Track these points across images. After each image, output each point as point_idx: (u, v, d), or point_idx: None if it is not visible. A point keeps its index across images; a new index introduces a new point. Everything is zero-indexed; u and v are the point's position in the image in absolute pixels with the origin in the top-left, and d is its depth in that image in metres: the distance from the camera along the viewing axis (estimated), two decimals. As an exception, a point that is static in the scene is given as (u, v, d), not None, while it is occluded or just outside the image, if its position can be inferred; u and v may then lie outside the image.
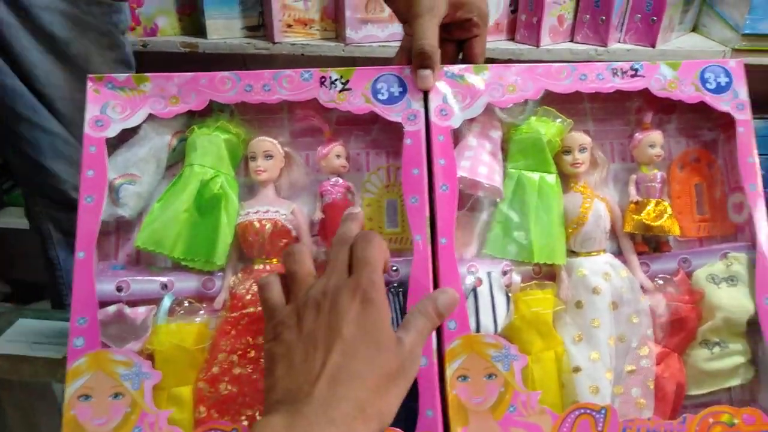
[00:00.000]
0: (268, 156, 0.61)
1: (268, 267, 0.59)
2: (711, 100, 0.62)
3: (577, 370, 0.58)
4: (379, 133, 0.65)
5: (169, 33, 1.20)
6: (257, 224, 0.59)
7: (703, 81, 0.62)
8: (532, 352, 0.58)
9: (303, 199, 0.64)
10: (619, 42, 1.15)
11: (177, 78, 0.60)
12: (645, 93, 0.63)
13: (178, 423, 0.53)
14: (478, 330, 0.57)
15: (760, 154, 1.16)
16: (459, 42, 0.66)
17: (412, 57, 0.59)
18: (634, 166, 0.65)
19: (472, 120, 0.62)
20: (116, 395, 0.53)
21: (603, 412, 0.56)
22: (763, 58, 1.06)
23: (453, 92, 0.61)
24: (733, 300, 0.59)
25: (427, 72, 0.59)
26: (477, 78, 0.61)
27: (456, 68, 0.61)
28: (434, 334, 0.55)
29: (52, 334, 0.80)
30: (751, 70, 1.12)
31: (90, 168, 0.57)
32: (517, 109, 0.63)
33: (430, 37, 0.58)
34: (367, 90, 0.60)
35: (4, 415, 0.78)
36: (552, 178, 0.62)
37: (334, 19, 1.19)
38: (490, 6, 0.99)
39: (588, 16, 1.15)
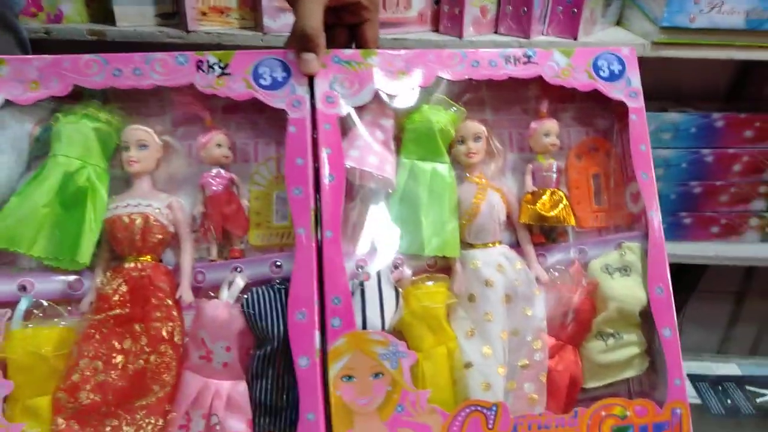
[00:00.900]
0: (143, 146, 0.57)
1: (140, 264, 0.54)
2: (604, 87, 0.61)
3: (468, 365, 0.56)
4: (267, 122, 0.61)
5: (75, 20, 1.12)
6: (126, 219, 0.54)
7: (596, 69, 0.61)
8: (423, 348, 0.56)
9: (186, 191, 0.59)
10: (542, 34, 1.14)
11: (37, 61, 0.55)
12: (542, 81, 0.61)
13: (32, 437, 0.49)
14: (364, 327, 0.54)
15: (679, 147, 1.19)
16: (351, 27, 0.63)
17: (296, 40, 0.56)
18: (532, 156, 0.64)
19: (363, 108, 0.59)
20: (-41, 409, 0.48)
21: (494, 409, 0.54)
22: (680, 51, 1.07)
23: (340, 78, 0.58)
24: (625, 290, 0.58)
25: (311, 56, 0.56)
26: (365, 63, 0.58)
27: (343, 53, 0.58)
28: (317, 332, 0.52)
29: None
30: (669, 63, 1.14)
31: (-65, 159, 0.52)
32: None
33: (312, 19, 0.55)
34: (248, 75, 0.57)
35: None
36: (444, 168, 0.59)
37: (251, 7, 1.13)
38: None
39: (510, 7, 1.14)
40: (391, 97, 0.59)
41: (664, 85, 1.23)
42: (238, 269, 0.56)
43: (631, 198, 0.63)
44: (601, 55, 0.62)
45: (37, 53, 0.56)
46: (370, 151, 0.58)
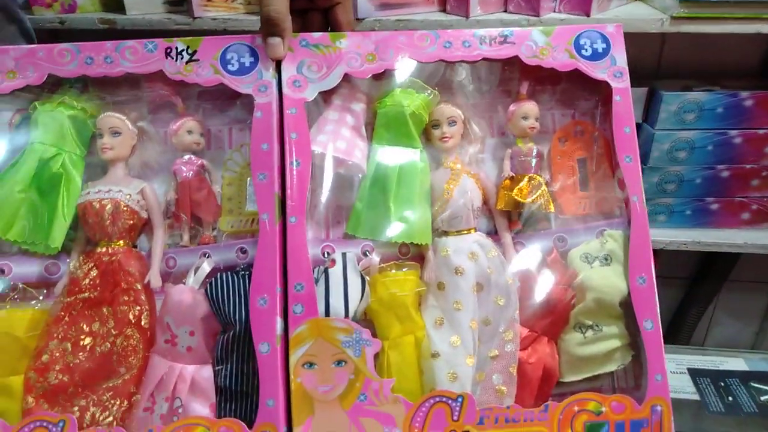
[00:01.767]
0: (116, 133, 0.58)
1: (111, 249, 0.56)
2: (586, 67, 0.58)
3: (435, 355, 0.55)
4: (241, 109, 0.61)
5: (88, 9, 1.15)
6: (96, 205, 0.55)
7: (578, 47, 0.58)
8: (390, 337, 0.55)
9: (161, 178, 0.60)
10: (553, 12, 1.10)
11: (13, 51, 0.56)
12: (520, 62, 0.58)
13: (4, 414, 0.51)
14: (327, 314, 0.53)
15: (705, 129, 1.12)
16: (324, 11, 0.62)
17: (261, 25, 0.55)
18: (513, 140, 0.61)
19: (333, 92, 0.58)
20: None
21: (460, 400, 0.52)
22: (703, 26, 1.01)
23: (308, 62, 0.57)
24: (604, 280, 0.56)
25: (276, 40, 0.55)
26: (334, 47, 0.57)
27: (312, 36, 0.57)
28: (278, 318, 0.52)
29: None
30: (692, 39, 1.08)
31: None
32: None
33: (277, 3, 0.54)
34: (216, 60, 0.56)
35: None
36: (416, 154, 0.58)
37: (257, -8, 1.14)
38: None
39: (520, -17, 1.10)
40: (360, 81, 0.58)
41: (688, 62, 1.17)
42: (207, 255, 0.57)
43: (619, 184, 0.60)
44: (584, 33, 0.58)
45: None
46: (338, 136, 0.57)
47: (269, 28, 0.55)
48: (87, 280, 0.54)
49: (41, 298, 0.55)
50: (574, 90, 0.62)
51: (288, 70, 0.57)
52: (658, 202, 1.12)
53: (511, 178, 0.59)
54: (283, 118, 0.56)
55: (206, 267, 0.55)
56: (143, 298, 0.55)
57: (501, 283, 0.56)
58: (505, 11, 1.13)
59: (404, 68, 0.58)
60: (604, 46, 0.58)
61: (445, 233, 0.58)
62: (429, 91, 0.59)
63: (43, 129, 0.57)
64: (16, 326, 0.53)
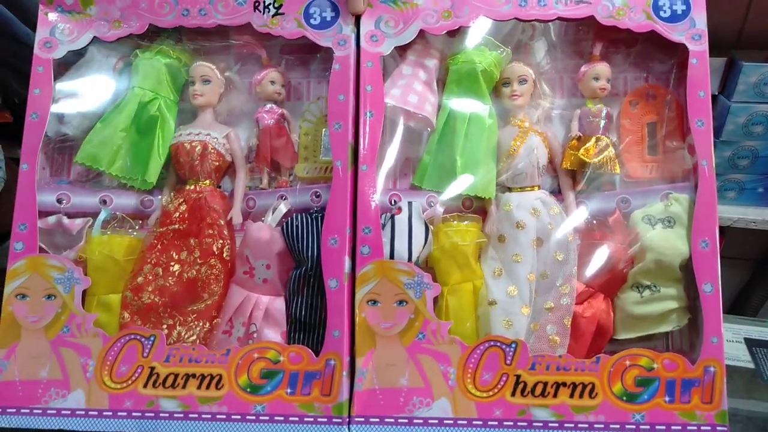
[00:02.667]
0: (206, 81, 0.63)
1: (199, 187, 0.61)
2: (663, 29, 0.57)
3: (492, 303, 0.57)
4: (320, 63, 0.65)
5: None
6: (187, 146, 0.61)
7: (657, 8, 0.58)
8: (449, 283, 0.58)
9: (244, 125, 0.65)
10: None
11: (120, 2, 0.62)
12: (595, 22, 0.59)
13: (104, 326, 0.57)
14: (392, 257, 0.57)
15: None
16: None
17: (343, -20, 0.58)
18: (583, 101, 0.62)
19: (407, 47, 0.61)
20: (49, 296, 0.57)
21: (513, 346, 0.55)
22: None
23: (386, 18, 0.59)
24: (665, 242, 0.56)
25: (358, -5, 0.58)
26: (411, 3, 0.59)
27: (391, -7, 0.60)
28: (347, 258, 0.56)
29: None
30: None
31: (37, 87, 0.61)
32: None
33: (360, -42, 0.57)
34: (300, 14, 0.60)
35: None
36: (485, 110, 0.60)
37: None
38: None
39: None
40: (437, 38, 0.60)
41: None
42: (284, 197, 0.61)
43: (689, 150, 0.60)
44: (664, -7, 0.58)
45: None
46: (411, 90, 0.60)
47: (352, -17, 0.58)
48: (177, 214, 0.60)
49: (137, 228, 0.62)
50: (648, 52, 0.61)
51: (366, 25, 0.59)
52: (729, 177, 1.08)
53: (579, 138, 0.60)
54: (359, 71, 0.59)
55: (283, 208, 0.60)
56: (226, 233, 0.60)
57: (561, 239, 0.58)
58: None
59: (478, 26, 0.59)
60: (684, 7, 0.58)
61: (509, 189, 0.60)
62: (501, 49, 0.60)
63: (142, 75, 0.62)
64: (116, 250, 0.59)
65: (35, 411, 0.56)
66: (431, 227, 0.58)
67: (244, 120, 0.65)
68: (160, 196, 0.63)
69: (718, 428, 0.53)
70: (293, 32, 0.60)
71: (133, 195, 0.63)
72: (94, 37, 0.62)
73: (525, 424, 0.54)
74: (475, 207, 0.61)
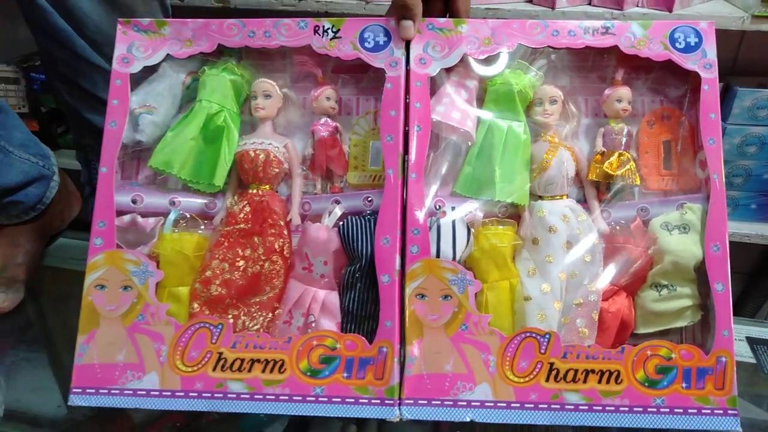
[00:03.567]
0: (267, 96, 0.69)
1: (261, 191, 0.67)
2: (678, 58, 0.65)
3: (528, 299, 0.64)
4: (369, 81, 0.71)
5: (207, -10, 1.30)
6: (252, 153, 0.67)
7: (673, 41, 0.65)
8: (488, 280, 0.64)
9: (298, 136, 0.72)
10: (636, 6, 1.16)
11: (191, 23, 0.69)
12: (618, 51, 0.67)
13: (174, 315, 0.63)
14: (438, 256, 0.63)
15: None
16: (445, 0, 0.71)
17: (396, 9, 0.66)
18: (605, 120, 0.69)
19: (450, 70, 0.68)
20: (125, 287, 0.63)
21: (547, 336, 0.61)
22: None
23: (433, 43, 0.67)
24: (681, 245, 0.63)
25: (409, 23, 0.65)
26: (456, 31, 0.67)
27: (437, 21, 0.67)
28: (397, 256, 0.62)
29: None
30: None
31: (115, 98, 0.67)
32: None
33: (412, -9, 0.64)
34: (355, 38, 0.67)
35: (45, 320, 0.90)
36: (520, 127, 0.67)
37: (358, -21, 1.25)
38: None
39: (605, -22, 1.16)
40: (476, 61, 0.67)
41: (764, 60, 1.20)
42: (338, 201, 0.67)
43: (700, 165, 0.67)
44: (679, 27, 0.66)
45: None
46: (454, 108, 0.67)
47: (404, 12, 0.65)
48: (242, 215, 0.66)
49: (202, 227, 0.68)
50: (664, 79, 0.69)
51: (415, 49, 0.67)
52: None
53: (602, 153, 0.67)
54: (408, 90, 0.66)
55: (338, 211, 0.66)
56: (285, 232, 0.66)
57: (588, 243, 0.65)
58: (590, 4, 1.20)
59: (515, 52, 0.67)
60: (696, 40, 0.65)
61: (540, 197, 0.67)
62: (534, 72, 0.67)
63: (210, 89, 0.69)
64: (186, 247, 0.65)
65: (113, 391, 0.61)
66: (472, 230, 0.65)
67: (298, 132, 0.72)
68: (223, 198, 0.69)
69: (729, 411, 0.60)
70: (349, 54, 0.67)
71: (198, 197, 0.69)
72: (167, 54, 0.69)
73: (558, 406, 0.60)
74: (509, 213, 0.68)
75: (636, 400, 0.60)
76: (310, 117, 0.71)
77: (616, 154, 0.67)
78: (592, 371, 0.60)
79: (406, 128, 0.65)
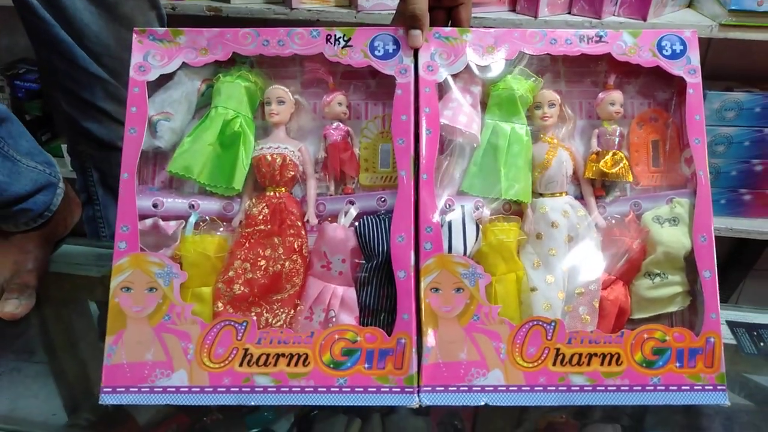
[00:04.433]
0: (281, 102, 0.72)
1: (278, 194, 0.70)
2: (665, 64, 0.71)
3: (534, 289, 0.68)
4: (377, 87, 0.75)
5: (197, -3, 1.31)
6: (269, 158, 0.70)
7: (660, 48, 0.71)
8: (496, 273, 0.69)
9: (309, 140, 0.75)
10: (613, 15, 1.22)
11: (207, 33, 0.71)
12: (610, 58, 0.72)
13: (199, 315, 0.65)
14: (450, 251, 0.67)
15: (743, 126, 1.24)
16: (448, 9, 0.75)
17: (405, 19, 0.69)
18: (599, 122, 0.75)
19: (456, 76, 0.72)
20: (151, 289, 0.65)
21: (553, 324, 0.66)
22: (748, 33, 1.12)
23: (440, 51, 0.71)
24: (672, 237, 0.69)
25: (417, 32, 0.69)
26: (461, 39, 0.71)
27: (443, 30, 0.71)
28: (412, 252, 0.66)
29: (91, 257, 0.94)
30: (737, 45, 1.19)
31: (133, 105, 0.69)
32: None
33: (420, 2, 0.68)
34: (366, 47, 0.71)
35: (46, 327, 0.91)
36: (522, 129, 0.72)
37: (348, -12, 1.28)
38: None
39: (585, -12, 1.23)
40: (480, 68, 0.72)
41: (732, 65, 1.29)
42: (352, 202, 0.71)
43: (685, 162, 0.73)
44: (666, 36, 0.71)
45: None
46: (460, 112, 0.71)
47: (413, 22, 0.69)
48: (261, 216, 0.69)
49: (221, 229, 0.70)
50: (652, 83, 0.75)
51: (423, 57, 0.70)
52: (697, 190, 1.23)
53: (598, 153, 0.72)
54: (417, 95, 0.70)
55: (353, 211, 0.70)
56: (303, 233, 0.69)
57: (587, 237, 0.70)
58: (570, 13, 1.26)
59: (516, 59, 0.71)
60: (682, 47, 0.71)
61: (542, 195, 0.72)
62: (534, 78, 0.72)
63: (225, 96, 0.71)
64: (208, 248, 0.68)
65: (143, 389, 0.63)
66: (480, 226, 0.69)
67: (309, 136, 0.75)
68: (240, 201, 0.71)
69: (719, 387, 0.65)
70: (360, 62, 0.70)
71: (216, 201, 0.71)
72: (183, 62, 0.71)
73: (564, 388, 0.65)
74: (513, 210, 0.72)
75: (635, 379, 0.65)
76: (321, 122, 0.74)
77: (611, 154, 0.72)
78: (595, 355, 0.65)
79: (417, 132, 0.69)
